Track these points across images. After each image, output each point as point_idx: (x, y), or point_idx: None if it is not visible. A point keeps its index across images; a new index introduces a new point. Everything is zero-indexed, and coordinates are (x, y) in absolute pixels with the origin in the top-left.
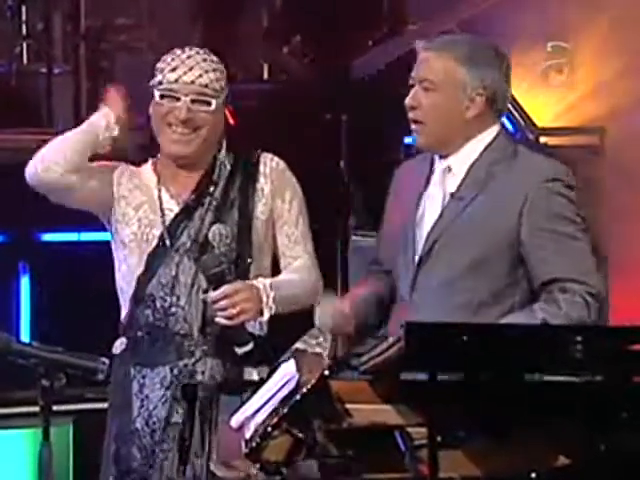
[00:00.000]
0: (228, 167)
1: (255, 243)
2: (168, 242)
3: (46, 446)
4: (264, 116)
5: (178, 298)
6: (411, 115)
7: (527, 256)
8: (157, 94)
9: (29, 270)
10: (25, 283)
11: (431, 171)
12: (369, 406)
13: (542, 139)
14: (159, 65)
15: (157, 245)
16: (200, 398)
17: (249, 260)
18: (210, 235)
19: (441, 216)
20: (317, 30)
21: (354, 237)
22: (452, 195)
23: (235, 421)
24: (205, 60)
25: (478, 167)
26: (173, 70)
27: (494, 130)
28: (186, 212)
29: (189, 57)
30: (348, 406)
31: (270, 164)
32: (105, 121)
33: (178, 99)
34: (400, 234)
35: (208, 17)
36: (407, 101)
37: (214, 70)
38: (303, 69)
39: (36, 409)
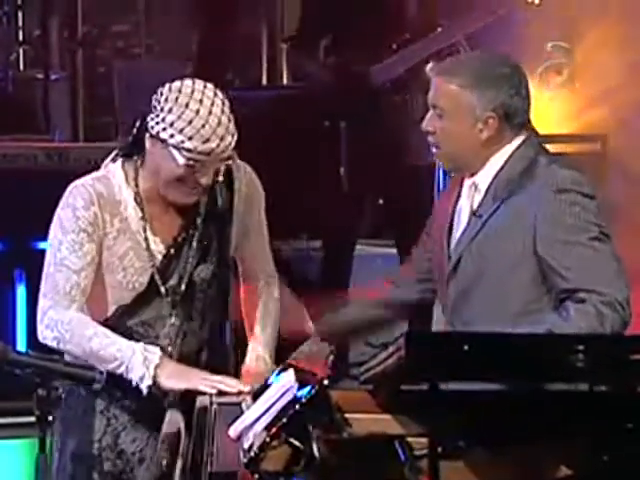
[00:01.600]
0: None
1: (231, 265)
2: (162, 288)
3: (42, 456)
4: (262, 123)
5: (158, 337)
6: (429, 139)
7: (545, 269)
8: (181, 160)
9: (25, 278)
10: (21, 291)
11: (461, 185)
12: (369, 416)
13: None
14: (182, 125)
15: (147, 290)
16: (198, 408)
17: (229, 284)
18: (195, 276)
19: (463, 233)
20: (343, 35)
21: (358, 246)
22: (474, 212)
23: (234, 431)
24: (229, 120)
25: (498, 181)
26: (206, 141)
27: (517, 141)
28: (175, 252)
29: (219, 123)
30: (348, 416)
31: (241, 178)
32: (142, 372)
33: (205, 167)
34: (434, 247)
35: (205, 24)
36: (423, 126)
37: (234, 127)
38: (327, 75)
39: (32, 419)
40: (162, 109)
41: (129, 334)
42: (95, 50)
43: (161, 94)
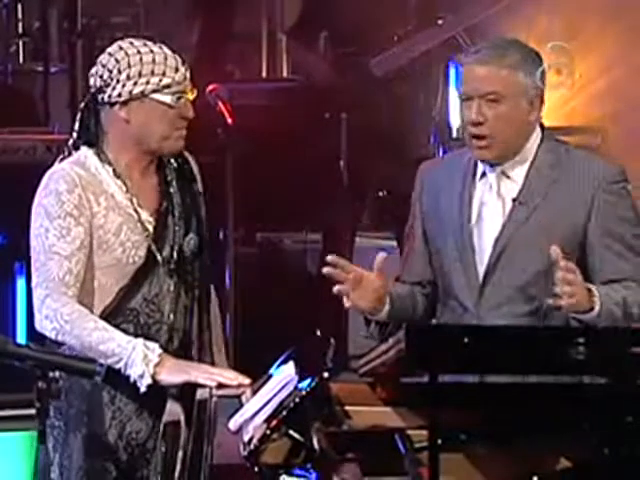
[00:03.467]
0: (174, 165)
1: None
2: (159, 257)
3: (42, 449)
4: (262, 115)
5: (162, 314)
6: (476, 131)
7: (592, 257)
8: (168, 98)
9: (25, 271)
10: (21, 284)
11: (474, 176)
12: (369, 408)
13: None
14: (149, 68)
15: (146, 261)
16: (198, 401)
17: (210, 260)
18: (185, 245)
19: (507, 222)
20: (344, 27)
21: (358, 239)
22: (514, 200)
23: (234, 423)
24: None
25: (537, 170)
26: (176, 70)
27: (539, 131)
28: (163, 222)
29: (170, 52)
30: (348, 408)
31: (194, 164)
32: (142, 370)
33: (183, 99)
34: (447, 242)
35: (205, 15)
36: (472, 117)
37: None
38: (327, 67)
39: (32, 411)
40: (119, 71)
41: (136, 317)
42: (94, 42)
43: (103, 66)
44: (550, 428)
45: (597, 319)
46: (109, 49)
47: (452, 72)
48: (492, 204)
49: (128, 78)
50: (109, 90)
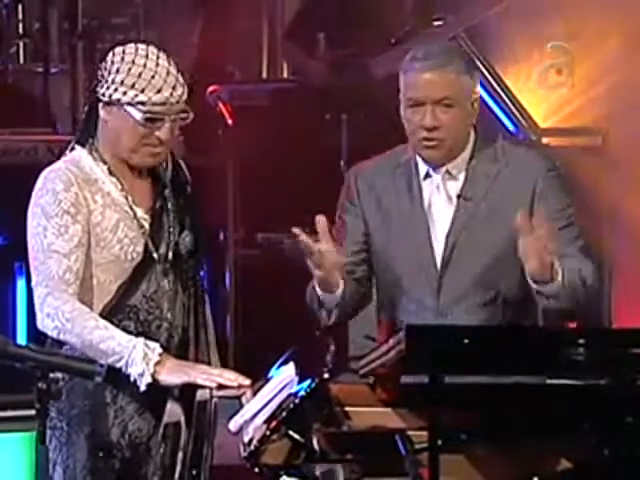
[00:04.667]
0: (170, 165)
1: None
2: (155, 254)
3: (43, 449)
4: (262, 116)
5: (162, 311)
6: (431, 135)
7: None
8: (138, 115)
9: (26, 272)
10: (21, 285)
11: (417, 177)
12: (369, 409)
13: (544, 140)
14: (133, 80)
15: (143, 258)
16: (198, 402)
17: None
18: (181, 243)
19: (455, 218)
20: (340, 28)
21: None
22: (459, 197)
23: (234, 424)
24: (178, 71)
25: (477, 167)
26: (158, 91)
27: (473, 130)
28: (158, 220)
29: (168, 73)
30: (348, 409)
31: (186, 169)
32: (142, 369)
33: (162, 120)
34: (398, 244)
35: (205, 16)
36: (427, 122)
37: (184, 80)
38: (324, 69)
39: (32, 412)
40: (109, 72)
41: (135, 314)
42: (95, 43)
43: (106, 61)
44: (550, 429)
45: (562, 290)
46: (116, 48)
47: None
48: (440, 203)
49: (113, 82)
50: (100, 88)
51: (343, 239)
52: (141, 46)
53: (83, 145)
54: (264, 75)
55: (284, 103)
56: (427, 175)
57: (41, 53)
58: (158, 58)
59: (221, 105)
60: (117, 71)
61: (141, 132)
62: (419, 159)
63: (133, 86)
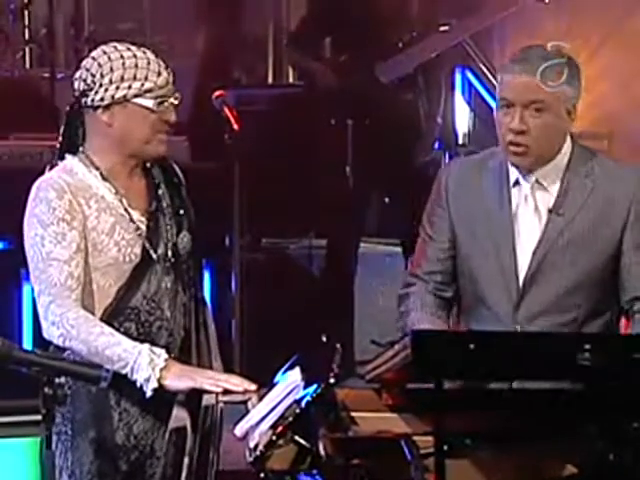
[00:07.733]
0: (160, 169)
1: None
2: (154, 255)
3: (48, 454)
4: (268, 121)
5: (162, 312)
6: (517, 139)
7: (623, 267)
8: (150, 102)
9: None
10: (28, 290)
11: (507, 183)
12: (375, 414)
13: None
14: (132, 72)
15: (142, 259)
16: (204, 407)
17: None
18: (179, 243)
19: (544, 234)
20: (347, 33)
21: (363, 244)
22: (550, 212)
23: (240, 429)
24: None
25: (572, 180)
26: (159, 75)
27: (569, 139)
28: (155, 222)
29: (154, 57)
30: (354, 414)
31: (179, 171)
32: (148, 374)
33: (167, 102)
34: (484, 249)
35: (211, 21)
36: (515, 125)
37: None
38: (330, 74)
39: (38, 418)
40: (101, 75)
41: (137, 315)
42: None
43: (87, 70)
44: (555, 434)
45: None
46: (93, 53)
47: (458, 78)
48: (528, 214)
49: (110, 82)
50: (92, 94)
51: (426, 252)
52: (113, 44)
53: (74, 154)
54: (270, 80)
55: (290, 108)
56: (516, 182)
57: (47, 58)
58: (137, 49)
59: (227, 110)
60: (111, 70)
61: (152, 120)
62: (510, 163)
63: (135, 78)
